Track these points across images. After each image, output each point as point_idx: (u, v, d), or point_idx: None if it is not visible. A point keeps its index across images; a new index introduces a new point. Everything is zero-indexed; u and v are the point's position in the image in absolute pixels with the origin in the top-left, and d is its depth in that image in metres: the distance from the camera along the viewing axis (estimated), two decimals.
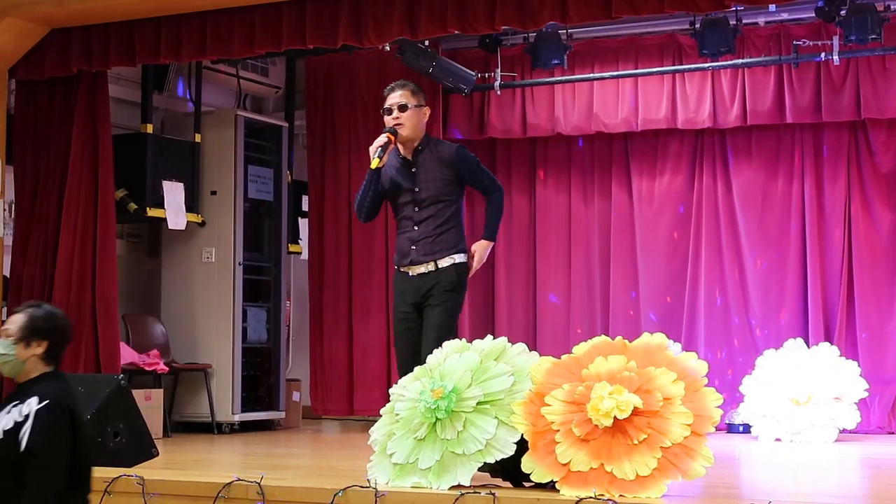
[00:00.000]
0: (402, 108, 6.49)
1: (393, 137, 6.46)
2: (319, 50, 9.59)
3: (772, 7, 9.46)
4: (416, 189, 6.49)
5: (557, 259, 10.85)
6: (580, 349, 5.39)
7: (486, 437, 5.27)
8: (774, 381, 9.32)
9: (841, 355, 9.43)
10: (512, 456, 5.24)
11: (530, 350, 5.64)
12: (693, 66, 10.06)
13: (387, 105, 6.55)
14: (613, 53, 10.43)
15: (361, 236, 10.71)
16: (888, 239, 9.94)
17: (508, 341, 5.63)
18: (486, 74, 10.50)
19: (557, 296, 10.84)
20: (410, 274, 6.50)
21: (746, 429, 9.58)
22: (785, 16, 9.83)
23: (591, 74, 10.40)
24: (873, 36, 8.96)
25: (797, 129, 10.19)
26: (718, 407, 5.06)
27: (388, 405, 5.70)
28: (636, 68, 10.32)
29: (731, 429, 9.77)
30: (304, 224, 11.08)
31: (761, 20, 9.92)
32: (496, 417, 5.31)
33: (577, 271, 10.79)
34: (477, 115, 10.86)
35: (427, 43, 9.70)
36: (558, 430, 5.12)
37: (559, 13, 7.52)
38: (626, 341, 5.32)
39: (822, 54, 9.50)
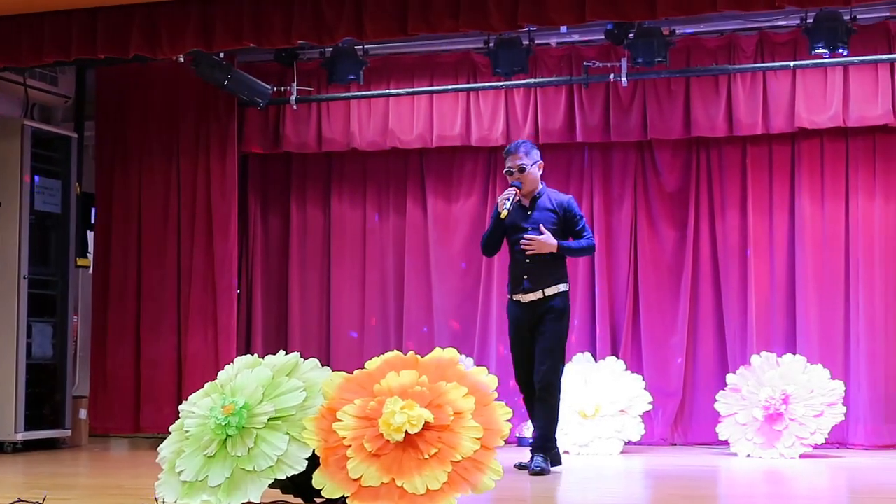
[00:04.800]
0: (521, 169, 7.73)
1: (518, 190, 7.70)
2: (111, 60, 9.38)
3: (563, 28, 9.69)
4: (530, 229, 7.71)
5: (352, 276, 10.83)
6: (372, 364, 5.40)
7: (277, 453, 5.25)
8: (563, 394, 9.49)
9: (627, 369, 9.70)
10: (303, 472, 5.23)
11: (323, 366, 5.64)
12: (487, 84, 10.22)
13: (507, 167, 7.80)
14: (409, 70, 10.51)
15: (152, 250, 10.54)
16: (672, 256, 10.24)
17: (301, 357, 5.62)
18: (282, 88, 10.44)
19: (352, 312, 10.81)
20: (523, 301, 7.72)
21: None
22: (576, 37, 10.06)
23: (387, 91, 10.46)
24: (659, 59, 9.25)
25: (587, 148, 10.43)
26: (508, 421, 5.13)
27: (177, 422, 5.62)
28: (431, 85, 10.42)
29: (521, 442, 9.89)
30: (92, 237, 10.81)
31: (553, 41, 10.13)
32: (288, 433, 5.29)
33: (371, 288, 10.78)
34: (272, 128, 10.79)
35: (222, 55, 9.61)
36: (350, 446, 5.12)
37: (355, 29, 7.55)
38: (419, 356, 5.36)
39: (612, 75, 9.75)
